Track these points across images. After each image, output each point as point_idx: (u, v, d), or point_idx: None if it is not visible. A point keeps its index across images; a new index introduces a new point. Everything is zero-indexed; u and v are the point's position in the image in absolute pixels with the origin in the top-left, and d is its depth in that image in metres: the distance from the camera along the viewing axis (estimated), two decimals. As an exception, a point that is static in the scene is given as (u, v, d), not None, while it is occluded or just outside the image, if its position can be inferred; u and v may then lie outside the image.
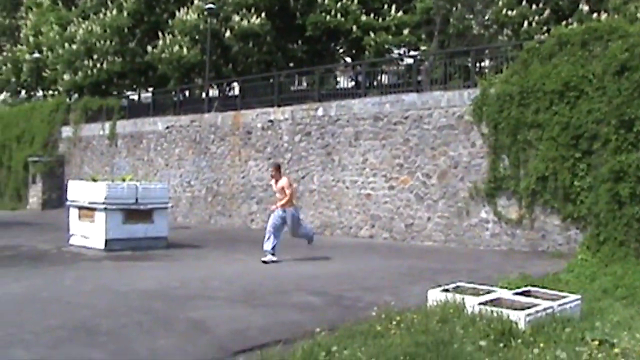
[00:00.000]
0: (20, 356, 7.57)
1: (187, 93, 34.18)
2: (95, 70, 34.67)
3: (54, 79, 38.64)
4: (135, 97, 34.67)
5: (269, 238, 15.43)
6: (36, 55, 40.13)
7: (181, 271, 13.73)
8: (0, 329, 8.44)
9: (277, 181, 16.04)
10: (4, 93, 49.47)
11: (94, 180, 18.36)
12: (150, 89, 34.91)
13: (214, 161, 26.24)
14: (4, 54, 44.90)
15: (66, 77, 36.21)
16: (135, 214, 17.39)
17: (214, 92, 31.50)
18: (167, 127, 28.50)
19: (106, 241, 16.91)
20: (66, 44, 35.69)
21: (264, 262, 15.15)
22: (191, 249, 17.80)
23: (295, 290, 11.62)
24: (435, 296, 9.52)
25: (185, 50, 31.07)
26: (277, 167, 16.45)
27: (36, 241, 18.78)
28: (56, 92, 40.32)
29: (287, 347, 7.77)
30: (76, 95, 37.66)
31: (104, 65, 34.45)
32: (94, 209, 17.21)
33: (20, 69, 42.45)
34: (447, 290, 9.66)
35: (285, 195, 15.64)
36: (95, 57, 34.63)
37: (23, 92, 46.54)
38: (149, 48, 32.69)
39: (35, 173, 34.55)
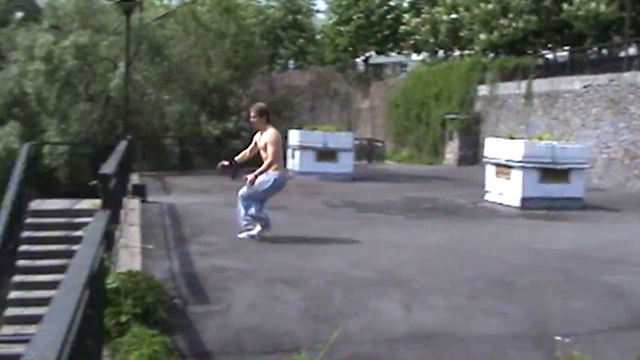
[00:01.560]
0: (438, 303, 8.05)
1: (605, 51, 32.95)
2: (510, 29, 34.88)
3: (470, 39, 39.57)
4: (551, 56, 34.25)
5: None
6: (453, 15, 41.40)
7: (597, 234, 13.42)
8: (421, 277, 8.99)
9: (262, 133, 10.80)
10: (423, 53, 51.79)
11: (512, 138, 18.50)
12: (566, 48, 34.23)
13: (632, 122, 24.99)
14: (422, 16, 46.84)
15: (482, 36, 36.87)
16: (552, 173, 17.15)
17: (633, 50, 29.98)
18: (585, 87, 27.69)
19: (522, 199, 16.95)
20: (482, 4, 36.28)
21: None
22: (607, 212, 17.25)
23: None
24: None
25: (602, 6, 29.90)
26: (262, 112, 10.78)
27: (452, 195, 19.41)
28: (472, 52, 41.26)
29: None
30: (492, 55, 38.23)
31: (520, 24, 34.47)
32: (510, 167, 17.32)
33: (438, 30, 44.02)
34: None
35: (270, 155, 10.51)
36: (510, 16, 34.81)
37: (440, 51, 48.24)
38: (564, 5, 31.98)
39: (451, 130, 35.84)
